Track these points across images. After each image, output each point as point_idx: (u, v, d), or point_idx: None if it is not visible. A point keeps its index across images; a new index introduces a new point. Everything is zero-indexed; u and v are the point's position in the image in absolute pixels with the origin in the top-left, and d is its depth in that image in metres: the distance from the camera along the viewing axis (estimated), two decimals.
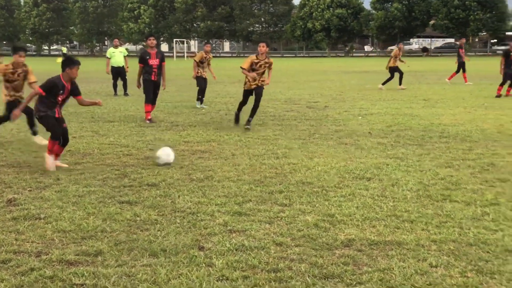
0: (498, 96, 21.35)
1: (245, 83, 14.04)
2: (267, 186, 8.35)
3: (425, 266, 5.37)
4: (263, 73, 13.80)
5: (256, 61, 13.68)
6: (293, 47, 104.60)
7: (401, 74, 25.88)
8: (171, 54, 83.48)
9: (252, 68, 13.62)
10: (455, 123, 14.62)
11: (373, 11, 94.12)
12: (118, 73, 23.41)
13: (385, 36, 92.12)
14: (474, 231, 6.29)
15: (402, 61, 26.87)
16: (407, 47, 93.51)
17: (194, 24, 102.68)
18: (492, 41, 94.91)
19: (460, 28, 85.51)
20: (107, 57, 23.73)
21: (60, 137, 9.55)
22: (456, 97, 21.32)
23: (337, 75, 36.93)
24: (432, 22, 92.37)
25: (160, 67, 15.13)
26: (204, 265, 5.40)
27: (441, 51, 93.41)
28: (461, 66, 28.35)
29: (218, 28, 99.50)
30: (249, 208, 7.22)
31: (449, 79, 29.01)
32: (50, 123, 9.55)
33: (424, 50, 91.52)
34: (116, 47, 23.85)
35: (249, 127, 13.77)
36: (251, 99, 13.97)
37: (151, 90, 15.13)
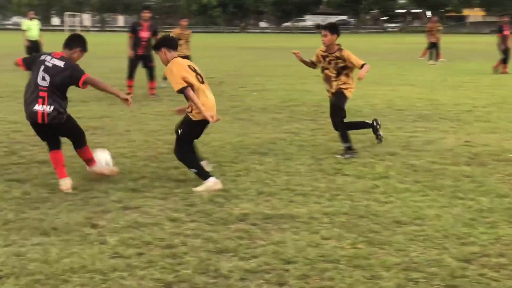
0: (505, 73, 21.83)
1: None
2: (163, 162, 8.27)
3: (317, 238, 5.48)
4: (338, 72, 8.79)
5: (323, 54, 8.98)
6: (189, 22, 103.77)
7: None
8: (62, 28, 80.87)
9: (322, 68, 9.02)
10: None
11: None
12: (35, 46, 22.32)
13: (280, 12, 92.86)
14: (365, 204, 6.48)
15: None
16: (301, 24, 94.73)
17: None
18: (382, 18, 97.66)
19: (353, 6, 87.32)
20: (23, 30, 22.61)
21: None
22: None
23: (233, 51, 36.97)
24: None
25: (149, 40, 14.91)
26: (97, 243, 5.30)
27: None
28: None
29: (112, 2, 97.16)
30: (143, 185, 7.14)
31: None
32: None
33: (318, 27, 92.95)
34: (31, 19, 22.87)
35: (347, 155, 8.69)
36: None
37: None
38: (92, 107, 13.22)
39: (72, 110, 12.51)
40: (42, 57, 6.89)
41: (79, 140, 7.22)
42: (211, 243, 5.33)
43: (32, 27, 22.35)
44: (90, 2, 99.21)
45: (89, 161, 7.31)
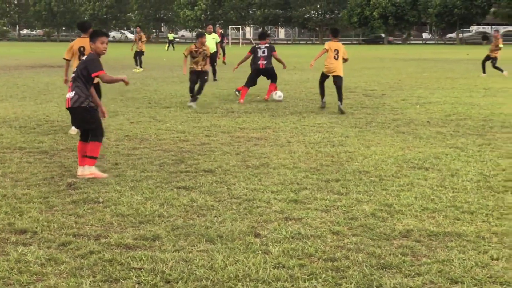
0: None
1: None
2: (323, 174, 8.28)
3: (486, 258, 5.24)
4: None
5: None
6: (349, 34, 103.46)
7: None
8: (226, 41, 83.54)
9: None
10: None
11: None
12: (210, 58, 23.38)
13: (444, 23, 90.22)
14: None
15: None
16: (466, 35, 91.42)
17: (250, 11, 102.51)
18: None
19: None
20: None
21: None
22: None
23: (394, 63, 36.42)
24: (493, 9, 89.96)
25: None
26: (260, 252, 5.39)
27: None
28: None
29: (274, 15, 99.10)
30: (305, 196, 7.18)
31: None
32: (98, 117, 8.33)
33: (484, 38, 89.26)
34: (209, 33, 23.89)
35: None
36: None
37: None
38: (255, 118, 13.52)
39: (236, 121, 13.00)
40: None
41: (92, 133, 8.08)
42: (374, 258, 5.26)
43: (208, 40, 23.12)
44: (253, 16, 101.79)
45: (84, 157, 8.07)
